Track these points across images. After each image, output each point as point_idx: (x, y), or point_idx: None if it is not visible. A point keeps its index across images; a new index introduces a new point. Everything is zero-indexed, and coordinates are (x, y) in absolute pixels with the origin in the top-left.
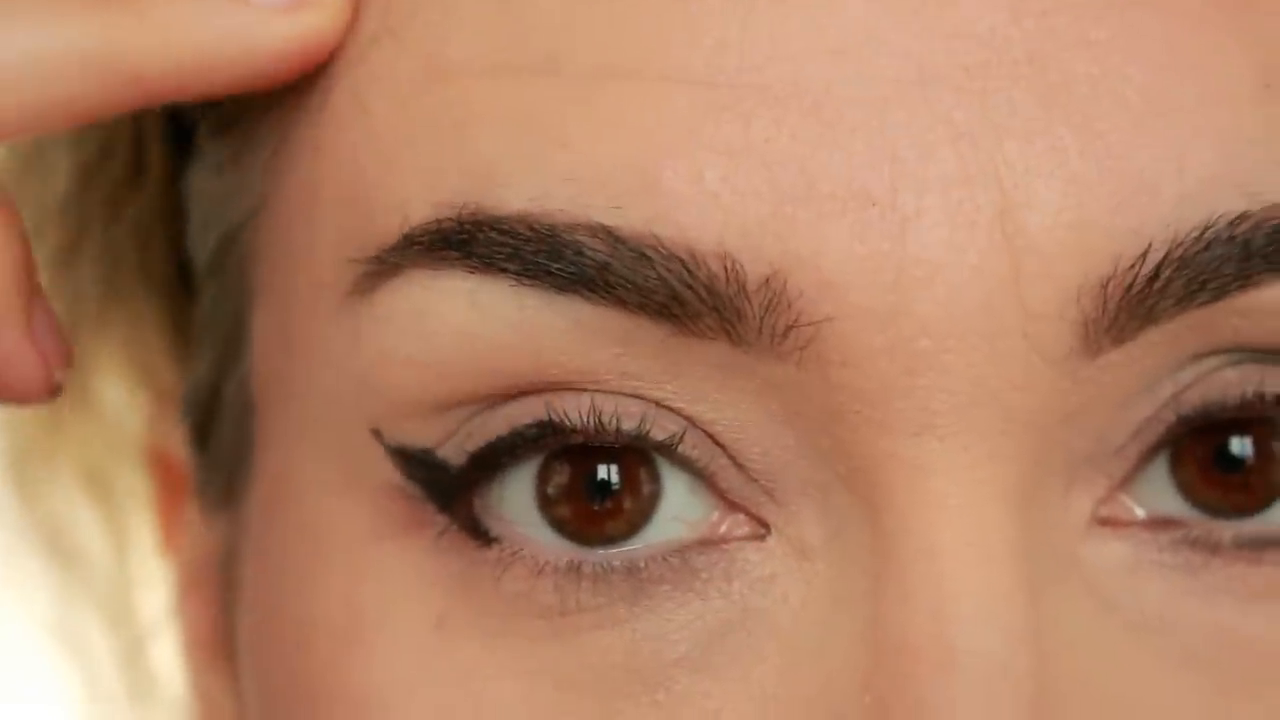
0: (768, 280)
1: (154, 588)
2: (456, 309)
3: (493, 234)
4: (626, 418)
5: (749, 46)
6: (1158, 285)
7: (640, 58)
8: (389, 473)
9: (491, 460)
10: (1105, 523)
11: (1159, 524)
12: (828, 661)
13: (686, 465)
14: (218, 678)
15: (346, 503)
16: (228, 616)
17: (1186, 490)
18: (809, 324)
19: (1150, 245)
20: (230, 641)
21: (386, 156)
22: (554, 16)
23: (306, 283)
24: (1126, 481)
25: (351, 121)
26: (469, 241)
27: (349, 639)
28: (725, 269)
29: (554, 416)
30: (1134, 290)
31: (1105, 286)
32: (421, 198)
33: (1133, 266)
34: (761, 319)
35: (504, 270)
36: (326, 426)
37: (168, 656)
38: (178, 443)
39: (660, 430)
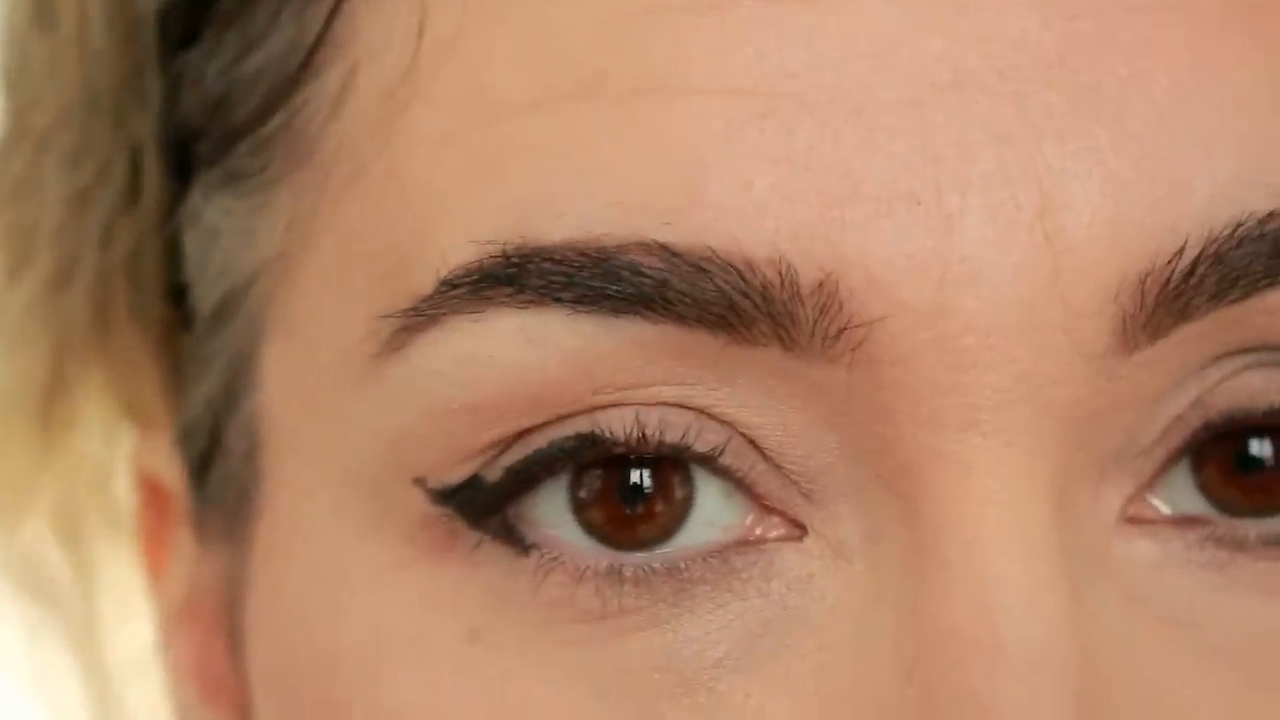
0: (821, 284)
1: (124, 628)
2: (507, 347)
3: (545, 264)
4: (670, 429)
5: (786, 54)
6: (1193, 281)
7: (678, 72)
8: (424, 508)
9: (530, 475)
10: (1133, 521)
11: (1185, 522)
12: (868, 655)
13: (724, 474)
14: (213, 710)
15: (373, 539)
16: (231, 646)
17: (1208, 491)
18: (861, 325)
19: (1186, 241)
20: (228, 673)
21: (421, 214)
22: (589, 40)
23: (331, 345)
24: (1153, 481)
25: (383, 188)
26: (519, 275)
27: (378, 660)
28: (780, 275)
29: (597, 431)
30: (1171, 286)
31: (1143, 282)
32: (459, 242)
33: (1169, 262)
34: (815, 322)
35: (558, 300)
36: (352, 479)
37: (141, 697)
38: (166, 471)
39: (703, 443)
